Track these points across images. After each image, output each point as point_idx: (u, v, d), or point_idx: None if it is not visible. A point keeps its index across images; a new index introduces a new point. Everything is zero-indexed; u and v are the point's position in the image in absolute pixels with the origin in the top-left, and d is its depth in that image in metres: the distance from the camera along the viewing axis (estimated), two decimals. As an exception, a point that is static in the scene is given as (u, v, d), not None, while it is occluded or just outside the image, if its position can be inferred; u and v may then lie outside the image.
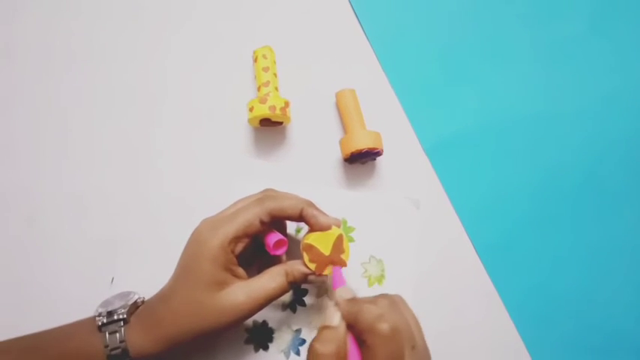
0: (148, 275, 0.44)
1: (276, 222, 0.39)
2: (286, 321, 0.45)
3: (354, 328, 0.33)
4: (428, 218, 0.47)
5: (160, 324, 0.35)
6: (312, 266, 0.38)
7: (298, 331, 0.45)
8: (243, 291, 0.36)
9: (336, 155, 0.47)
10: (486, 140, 0.49)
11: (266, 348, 0.44)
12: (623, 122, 0.49)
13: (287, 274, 0.38)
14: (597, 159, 0.49)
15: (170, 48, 0.49)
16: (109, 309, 0.37)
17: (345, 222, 0.47)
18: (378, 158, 0.47)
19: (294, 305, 0.45)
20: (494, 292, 0.46)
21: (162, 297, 0.37)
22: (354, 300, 0.35)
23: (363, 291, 0.45)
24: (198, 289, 0.35)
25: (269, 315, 0.44)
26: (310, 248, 0.38)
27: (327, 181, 0.47)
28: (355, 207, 0.47)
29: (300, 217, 0.38)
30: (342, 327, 0.34)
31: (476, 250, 0.47)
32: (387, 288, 0.46)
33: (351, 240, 0.46)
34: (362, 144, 0.44)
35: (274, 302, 0.44)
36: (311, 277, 0.38)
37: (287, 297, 0.45)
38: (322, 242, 0.38)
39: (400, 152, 0.48)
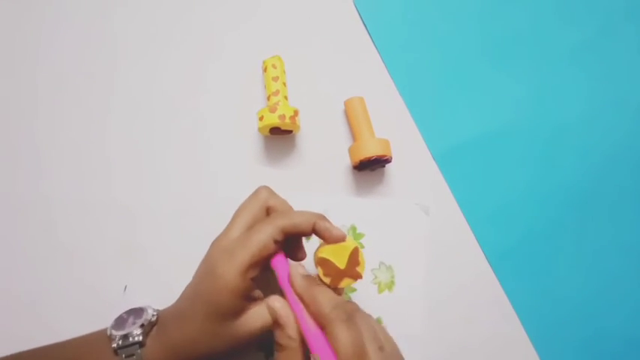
0: (160, 283, 0.45)
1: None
2: None
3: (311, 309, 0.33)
4: (437, 225, 0.47)
5: (175, 349, 0.35)
6: (327, 280, 0.36)
7: None
8: (259, 317, 0.35)
9: (346, 163, 0.48)
10: (495, 147, 0.49)
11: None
12: (633, 128, 0.49)
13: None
14: (607, 165, 0.49)
15: (180, 58, 0.50)
16: (124, 332, 0.35)
17: (354, 228, 0.47)
18: (387, 165, 0.48)
19: None
20: (504, 298, 0.46)
21: (177, 320, 0.36)
22: (309, 278, 0.35)
23: (374, 297, 0.46)
24: (216, 321, 0.34)
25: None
26: (325, 262, 0.36)
27: (336, 188, 0.48)
28: (365, 213, 0.47)
29: (312, 232, 0.37)
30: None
31: (486, 257, 0.47)
32: (397, 294, 0.46)
33: (360, 246, 0.46)
34: (371, 151, 0.44)
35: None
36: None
37: None
38: (337, 255, 0.36)
39: (409, 159, 0.48)
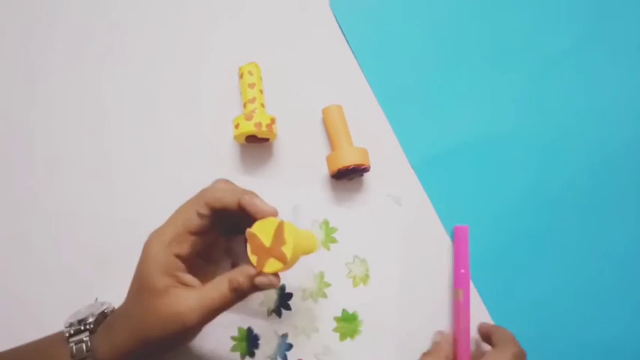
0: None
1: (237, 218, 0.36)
2: (272, 326, 0.44)
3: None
4: (416, 235, 0.47)
5: (117, 333, 0.35)
6: (254, 259, 0.33)
7: (284, 336, 0.44)
8: (186, 300, 0.33)
9: (323, 172, 0.47)
10: (475, 155, 0.49)
11: (252, 355, 0.44)
12: (620, 135, 0.49)
13: (230, 281, 0.34)
14: (592, 173, 0.49)
15: (155, 64, 0.49)
16: (77, 318, 0.36)
17: (327, 222, 0.47)
18: (366, 174, 0.47)
19: (279, 310, 0.45)
20: (484, 310, 0.46)
21: (121, 305, 0.37)
22: None
23: (349, 291, 0.46)
24: (142, 297, 0.34)
25: (253, 321, 0.44)
26: (253, 238, 0.33)
27: (314, 197, 0.47)
28: (337, 207, 0.47)
29: (239, 208, 0.35)
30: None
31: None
32: (372, 288, 0.46)
33: (334, 241, 0.46)
34: (349, 160, 0.44)
35: (259, 307, 0.44)
36: (259, 280, 0.34)
37: (272, 302, 0.45)
38: (264, 231, 0.33)
39: (387, 168, 0.48)
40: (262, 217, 0.34)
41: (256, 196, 0.35)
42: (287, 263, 0.33)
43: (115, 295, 0.43)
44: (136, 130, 0.48)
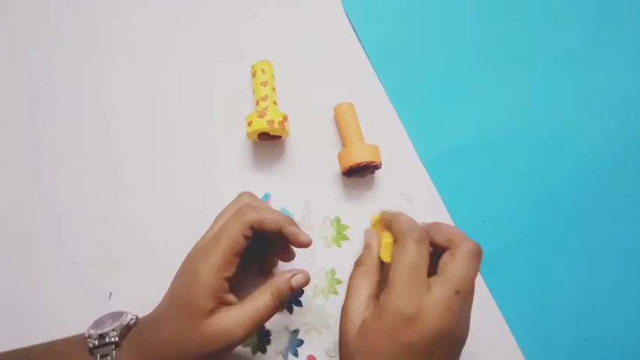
0: (145, 291, 0.43)
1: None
2: (283, 322, 0.44)
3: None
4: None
5: (150, 351, 0.35)
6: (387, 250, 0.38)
7: (295, 332, 0.44)
8: (233, 317, 0.35)
9: (335, 169, 0.47)
10: (486, 153, 0.49)
11: (264, 350, 0.44)
12: (626, 135, 0.49)
13: (272, 292, 0.37)
14: (600, 171, 0.48)
15: (168, 63, 0.49)
16: (101, 331, 0.36)
17: (338, 220, 0.47)
18: (377, 171, 0.47)
19: (291, 306, 0.45)
20: (491, 300, 0.46)
21: (154, 323, 0.37)
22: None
23: None
24: (187, 320, 0.34)
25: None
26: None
27: (325, 194, 0.47)
28: (348, 204, 0.47)
29: (278, 233, 0.37)
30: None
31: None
32: None
33: (345, 238, 0.46)
34: (360, 157, 0.44)
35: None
36: (296, 280, 0.38)
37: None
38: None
39: (399, 165, 0.48)
40: (302, 247, 0.38)
41: (295, 225, 0.38)
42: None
43: (123, 293, 0.44)
44: (147, 129, 0.48)
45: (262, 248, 0.41)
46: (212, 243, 0.36)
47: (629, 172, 0.49)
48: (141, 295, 0.42)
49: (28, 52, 0.49)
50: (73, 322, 0.39)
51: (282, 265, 0.44)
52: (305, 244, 0.37)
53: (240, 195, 0.41)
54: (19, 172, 0.47)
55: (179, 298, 0.36)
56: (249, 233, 0.36)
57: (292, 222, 0.38)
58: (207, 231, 0.39)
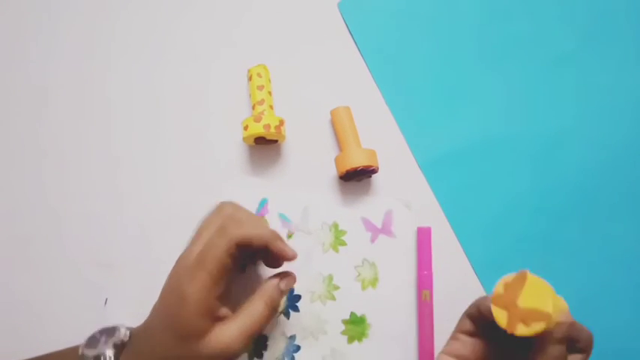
0: (141, 296, 0.43)
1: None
2: (280, 328, 0.44)
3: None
4: (424, 236, 0.47)
5: None
6: (503, 317, 0.31)
7: (292, 337, 0.44)
8: (228, 332, 0.35)
9: (332, 173, 0.47)
10: (483, 156, 0.48)
11: (260, 356, 0.44)
12: (625, 137, 0.49)
13: (265, 301, 0.37)
14: (599, 175, 0.48)
15: (164, 66, 0.49)
16: (95, 353, 0.35)
17: (336, 225, 0.46)
18: (374, 176, 0.47)
19: (288, 311, 0.45)
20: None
21: (150, 339, 0.36)
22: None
23: (357, 294, 0.45)
24: (183, 343, 0.34)
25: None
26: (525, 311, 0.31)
27: (322, 198, 0.47)
28: (346, 208, 0.47)
29: (265, 249, 0.37)
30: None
31: (472, 267, 0.46)
32: (381, 291, 0.45)
33: (343, 244, 0.46)
34: (357, 162, 0.44)
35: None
36: (284, 285, 0.39)
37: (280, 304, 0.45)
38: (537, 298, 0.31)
39: (396, 169, 0.48)
40: (288, 260, 0.38)
41: (281, 238, 0.38)
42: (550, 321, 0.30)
43: (121, 296, 0.44)
44: (145, 133, 0.48)
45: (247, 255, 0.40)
46: (197, 263, 0.35)
47: (627, 174, 0.48)
48: (138, 298, 0.42)
49: (27, 52, 0.49)
50: (70, 324, 0.39)
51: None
52: (290, 259, 0.38)
53: (222, 205, 0.38)
54: (17, 174, 0.47)
55: (171, 319, 0.34)
56: (235, 251, 0.35)
57: (278, 237, 0.38)
58: (190, 245, 0.37)
